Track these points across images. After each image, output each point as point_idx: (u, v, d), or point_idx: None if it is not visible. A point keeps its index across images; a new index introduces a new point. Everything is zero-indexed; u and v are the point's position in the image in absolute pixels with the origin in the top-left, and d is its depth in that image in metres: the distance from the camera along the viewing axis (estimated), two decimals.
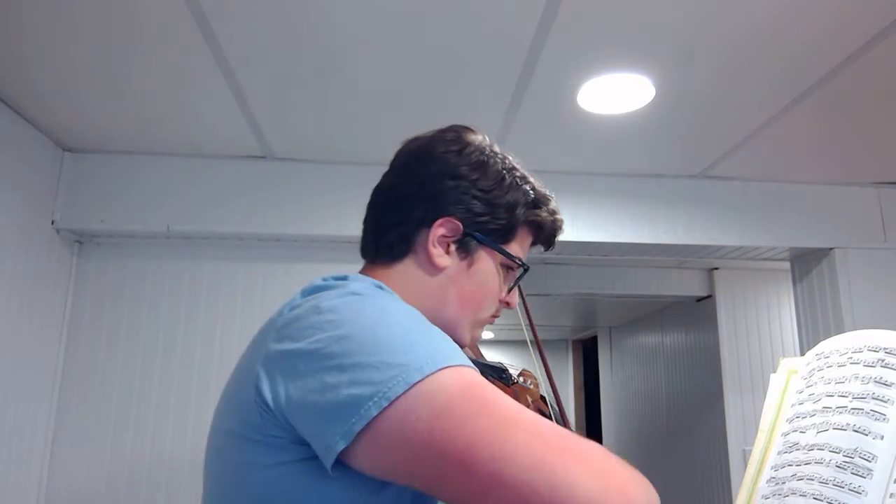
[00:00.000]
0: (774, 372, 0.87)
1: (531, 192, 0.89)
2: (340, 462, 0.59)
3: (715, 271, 3.95)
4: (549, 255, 3.11)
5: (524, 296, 0.97)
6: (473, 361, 0.87)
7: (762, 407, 0.85)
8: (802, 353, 0.98)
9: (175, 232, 2.44)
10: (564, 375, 7.32)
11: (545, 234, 0.93)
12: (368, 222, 0.89)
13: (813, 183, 2.73)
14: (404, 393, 0.56)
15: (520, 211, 0.87)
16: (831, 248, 2.69)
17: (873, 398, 0.71)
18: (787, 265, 3.01)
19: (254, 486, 0.65)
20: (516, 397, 0.92)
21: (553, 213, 0.93)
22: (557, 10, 1.58)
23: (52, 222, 2.34)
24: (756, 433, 0.83)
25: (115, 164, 2.45)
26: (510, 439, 0.54)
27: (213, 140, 2.37)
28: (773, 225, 2.69)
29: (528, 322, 0.99)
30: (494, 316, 0.90)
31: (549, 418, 0.94)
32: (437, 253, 0.82)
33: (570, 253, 2.95)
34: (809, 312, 2.83)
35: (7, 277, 2.09)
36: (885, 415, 0.69)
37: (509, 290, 0.89)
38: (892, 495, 0.65)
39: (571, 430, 1.02)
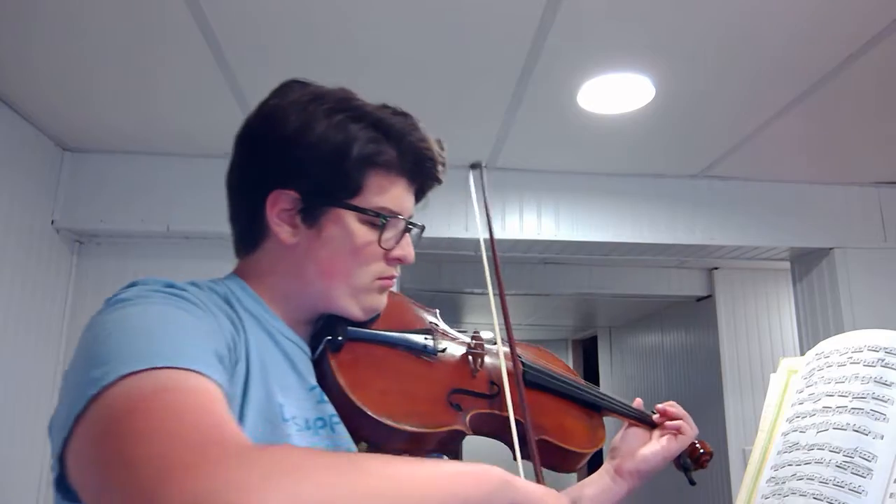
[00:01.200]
0: (774, 372, 0.87)
1: (370, 126, 0.75)
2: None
3: (715, 271, 3.95)
4: (549, 254, 3.11)
5: (498, 268, 0.88)
6: (371, 333, 0.78)
7: (762, 407, 0.85)
8: (802, 353, 0.98)
9: (175, 232, 2.44)
10: None
11: (410, 167, 0.78)
12: (228, 218, 0.82)
13: (813, 183, 2.73)
14: (84, 410, 0.51)
15: (356, 151, 0.73)
16: (831, 248, 2.69)
17: (873, 398, 0.71)
18: (787, 265, 3.01)
19: None
20: (458, 365, 0.85)
21: (415, 140, 0.78)
22: (557, 10, 1.58)
23: (52, 222, 2.34)
24: (756, 433, 0.83)
25: (115, 164, 2.44)
26: (132, 463, 0.46)
27: (213, 140, 2.37)
28: (773, 225, 2.69)
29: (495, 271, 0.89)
30: (387, 277, 0.79)
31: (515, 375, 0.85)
32: (283, 230, 0.74)
33: (570, 253, 2.95)
34: (809, 312, 2.83)
35: (7, 277, 2.09)
36: (885, 414, 0.69)
37: (381, 244, 0.76)
38: (892, 495, 0.65)
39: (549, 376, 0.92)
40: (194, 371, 0.54)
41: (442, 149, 0.82)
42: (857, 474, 0.67)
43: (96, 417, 0.51)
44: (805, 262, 2.85)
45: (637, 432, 1.01)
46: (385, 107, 0.78)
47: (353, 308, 0.77)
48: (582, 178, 2.66)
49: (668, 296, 4.21)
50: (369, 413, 0.70)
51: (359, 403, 0.70)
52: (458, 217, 2.55)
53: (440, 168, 0.82)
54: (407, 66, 1.86)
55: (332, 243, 0.75)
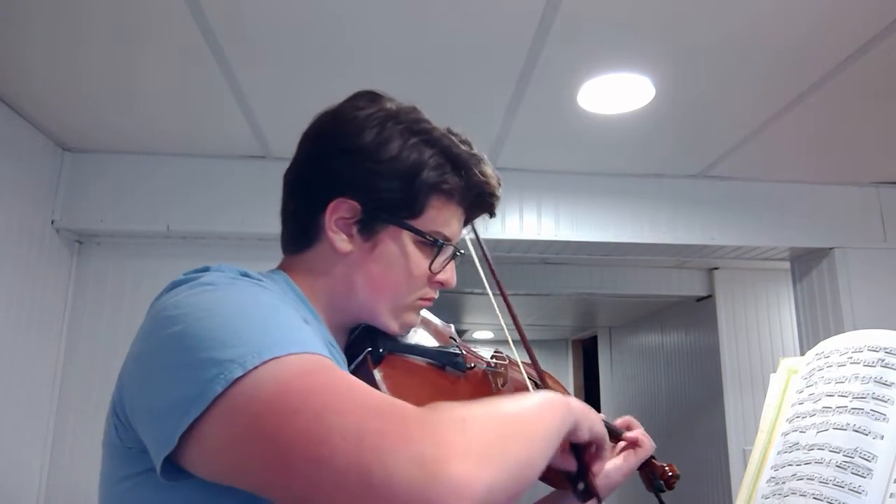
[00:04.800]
0: (774, 372, 0.86)
1: (441, 154, 0.77)
2: (177, 468, 0.56)
3: (715, 271, 3.95)
4: (549, 254, 3.11)
5: (492, 265, 0.87)
6: (410, 347, 0.81)
7: (762, 407, 0.85)
8: (802, 353, 0.98)
9: (175, 232, 2.44)
10: (564, 375, 7.31)
11: (470, 199, 0.81)
12: (281, 213, 0.83)
13: (813, 183, 2.73)
14: (225, 391, 0.52)
15: (425, 176, 0.75)
16: (831, 248, 2.69)
17: (873, 398, 0.71)
18: (787, 265, 3.01)
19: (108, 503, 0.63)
20: (481, 383, 0.87)
21: (479, 174, 0.80)
22: (557, 10, 1.58)
23: (52, 222, 2.34)
24: (756, 433, 0.83)
25: (115, 163, 2.44)
26: (326, 438, 0.48)
27: (213, 140, 2.37)
28: (773, 225, 2.69)
29: (499, 290, 0.88)
30: (427, 298, 0.81)
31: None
32: (338, 238, 0.75)
33: (570, 253, 2.94)
34: (809, 312, 2.83)
35: (7, 277, 2.09)
36: (885, 415, 0.69)
37: (431, 268, 0.79)
38: (892, 495, 0.65)
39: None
40: (324, 356, 0.57)
41: (499, 184, 0.84)
42: (857, 474, 0.67)
43: (248, 398, 0.52)
44: (805, 262, 2.85)
45: None
46: (451, 133, 0.80)
47: (392, 324, 0.80)
48: (582, 178, 2.66)
49: (668, 296, 4.20)
50: None
51: None
52: None
53: (496, 202, 0.84)
54: (407, 66, 1.86)
55: (385, 259, 0.77)
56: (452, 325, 0.95)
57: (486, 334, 7.04)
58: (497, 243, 2.68)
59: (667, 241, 2.65)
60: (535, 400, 0.63)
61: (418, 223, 0.77)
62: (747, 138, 2.32)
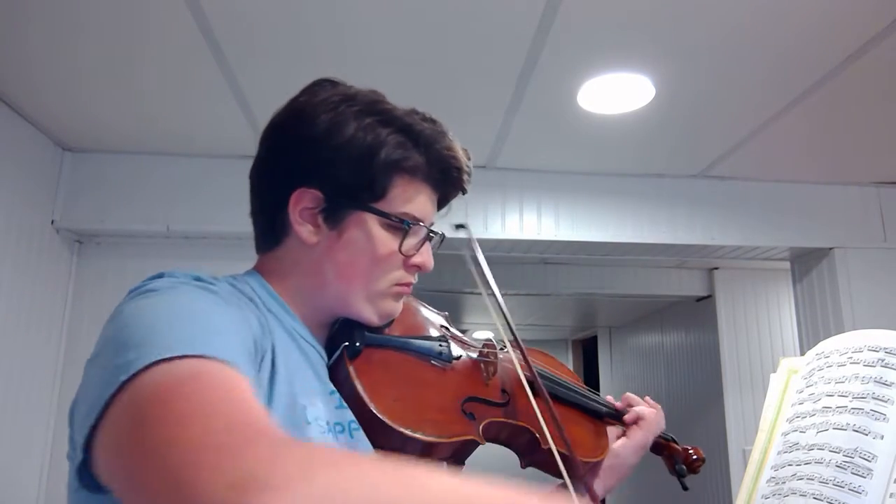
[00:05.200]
0: (774, 372, 0.86)
1: (400, 131, 0.74)
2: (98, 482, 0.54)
3: (715, 271, 3.95)
4: (549, 254, 3.11)
5: (481, 263, 0.85)
6: (389, 339, 0.78)
7: (762, 407, 0.85)
8: (802, 353, 0.98)
9: (175, 232, 2.44)
10: None
11: (436, 175, 0.78)
12: (250, 213, 0.81)
13: (813, 183, 2.73)
14: (115, 395, 0.50)
15: (384, 155, 0.72)
16: (831, 248, 2.69)
17: (873, 398, 0.71)
18: (787, 265, 3.01)
19: None
20: (469, 373, 0.84)
21: (443, 149, 0.76)
22: (557, 10, 1.58)
23: (52, 222, 2.34)
24: (756, 433, 0.83)
25: (115, 163, 2.44)
26: (162, 450, 0.45)
27: (213, 140, 2.37)
28: (773, 225, 2.69)
29: (483, 275, 0.86)
30: (404, 284, 0.78)
31: (530, 384, 0.84)
32: (305, 229, 0.74)
33: (570, 253, 2.94)
34: (809, 312, 2.83)
35: (7, 277, 2.09)
36: (885, 414, 0.69)
37: (401, 250, 0.75)
38: (892, 495, 0.65)
39: (565, 389, 0.94)
40: (224, 361, 0.53)
41: (469, 158, 0.81)
42: (857, 474, 0.67)
43: (128, 403, 0.50)
44: (805, 262, 2.85)
45: (611, 431, 0.99)
46: (414, 112, 0.77)
47: (369, 313, 0.77)
48: (582, 178, 2.66)
49: (668, 296, 4.20)
50: (385, 421, 0.69)
51: (375, 411, 0.69)
52: (457, 216, 2.55)
53: (465, 178, 0.81)
54: (407, 67, 1.86)
55: (353, 246, 0.74)
56: (446, 314, 0.92)
57: (487, 334, 7.03)
58: (497, 243, 2.68)
59: (667, 241, 2.65)
60: (473, 485, 0.46)
61: (382, 205, 0.74)
62: (747, 138, 2.32)
